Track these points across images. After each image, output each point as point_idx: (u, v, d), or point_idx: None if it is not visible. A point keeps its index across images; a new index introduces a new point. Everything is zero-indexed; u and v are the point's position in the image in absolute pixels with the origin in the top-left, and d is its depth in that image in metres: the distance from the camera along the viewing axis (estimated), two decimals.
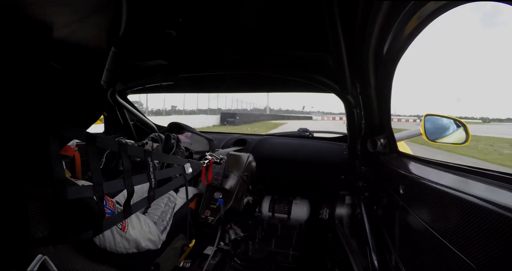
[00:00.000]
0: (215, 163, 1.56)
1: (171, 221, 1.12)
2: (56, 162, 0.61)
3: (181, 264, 1.27)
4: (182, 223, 1.32)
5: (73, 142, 1.04)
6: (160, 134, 1.51)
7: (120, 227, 0.86)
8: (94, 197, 0.71)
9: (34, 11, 0.92)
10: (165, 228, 1.08)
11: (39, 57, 1.22)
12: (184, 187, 1.54)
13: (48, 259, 0.61)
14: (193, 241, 1.24)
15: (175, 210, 1.28)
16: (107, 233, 0.82)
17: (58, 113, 0.70)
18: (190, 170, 1.13)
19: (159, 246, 1.04)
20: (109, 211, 0.83)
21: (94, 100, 0.79)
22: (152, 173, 0.89)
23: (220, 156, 1.60)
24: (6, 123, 0.61)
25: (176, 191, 1.28)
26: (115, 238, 0.84)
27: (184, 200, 1.48)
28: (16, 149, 0.63)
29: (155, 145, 1.72)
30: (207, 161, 1.45)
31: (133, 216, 0.95)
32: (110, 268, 0.89)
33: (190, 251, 1.46)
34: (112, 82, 1.72)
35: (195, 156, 1.81)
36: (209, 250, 1.50)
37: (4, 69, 0.66)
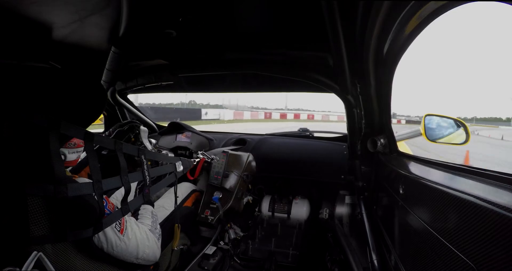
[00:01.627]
0: (206, 162, 1.58)
1: (160, 231, 1.13)
2: (56, 160, 0.62)
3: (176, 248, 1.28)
4: (182, 222, 1.33)
5: (80, 154, 1.05)
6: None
7: (118, 229, 0.86)
8: (94, 195, 0.71)
9: (34, 11, 0.92)
10: (160, 236, 1.09)
11: (39, 57, 1.22)
12: (181, 188, 1.58)
13: (43, 255, 0.62)
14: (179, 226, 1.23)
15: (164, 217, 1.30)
16: (104, 233, 0.82)
17: (58, 112, 0.70)
18: (181, 168, 1.16)
19: (157, 258, 1.04)
20: (108, 212, 0.83)
21: (94, 99, 0.79)
22: (146, 170, 0.90)
23: (212, 156, 1.61)
24: (7, 122, 0.62)
25: (151, 204, 1.27)
26: (113, 239, 0.84)
27: (181, 198, 1.51)
28: (16, 147, 0.64)
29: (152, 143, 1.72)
30: (198, 159, 1.47)
31: (132, 222, 0.95)
32: (108, 267, 0.89)
33: (190, 251, 1.46)
34: (112, 81, 1.72)
35: (195, 156, 1.82)
36: (209, 250, 1.51)
37: (5, 68, 0.67)
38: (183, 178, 1.67)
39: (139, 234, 0.94)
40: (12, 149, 0.63)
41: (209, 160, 1.61)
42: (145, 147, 1.51)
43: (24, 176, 0.63)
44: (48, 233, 0.67)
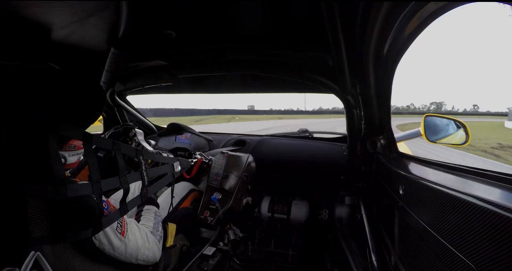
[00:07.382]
0: (203, 163, 1.59)
1: (162, 232, 1.13)
2: (56, 161, 0.62)
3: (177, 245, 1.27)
4: (181, 223, 1.32)
5: (80, 156, 1.05)
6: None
7: (120, 232, 0.86)
8: (94, 196, 0.71)
9: (33, 12, 0.92)
10: (161, 237, 1.09)
11: (38, 58, 1.22)
12: (178, 187, 1.59)
13: (40, 255, 0.62)
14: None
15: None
16: (106, 235, 0.82)
17: (58, 114, 0.70)
18: (179, 168, 1.16)
19: (158, 259, 1.03)
20: (109, 214, 0.83)
21: (93, 101, 0.79)
22: (144, 170, 0.90)
23: (209, 157, 1.62)
24: (6, 123, 0.62)
25: (156, 204, 1.26)
26: (115, 242, 0.84)
27: (179, 198, 1.51)
28: (16, 148, 0.63)
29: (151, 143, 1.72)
30: (196, 159, 1.48)
31: (133, 224, 0.95)
32: (107, 268, 0.88)
33: (189, 252, 1.46)
34: (112, 83, 1.72)
35: (193, 156, 1.82)
36: (208, 250, 1.50)
37: (4, 70, 0.67)
38: (179, 177, 1.68)
39: (140, 236, 0.94)
40: (12, 150, 0.63)
41: (206, 161, 1.61)
42: (143, 148, 1.51)
43: (24, 177, 0.63)
44: (47, 233, 0.67)
